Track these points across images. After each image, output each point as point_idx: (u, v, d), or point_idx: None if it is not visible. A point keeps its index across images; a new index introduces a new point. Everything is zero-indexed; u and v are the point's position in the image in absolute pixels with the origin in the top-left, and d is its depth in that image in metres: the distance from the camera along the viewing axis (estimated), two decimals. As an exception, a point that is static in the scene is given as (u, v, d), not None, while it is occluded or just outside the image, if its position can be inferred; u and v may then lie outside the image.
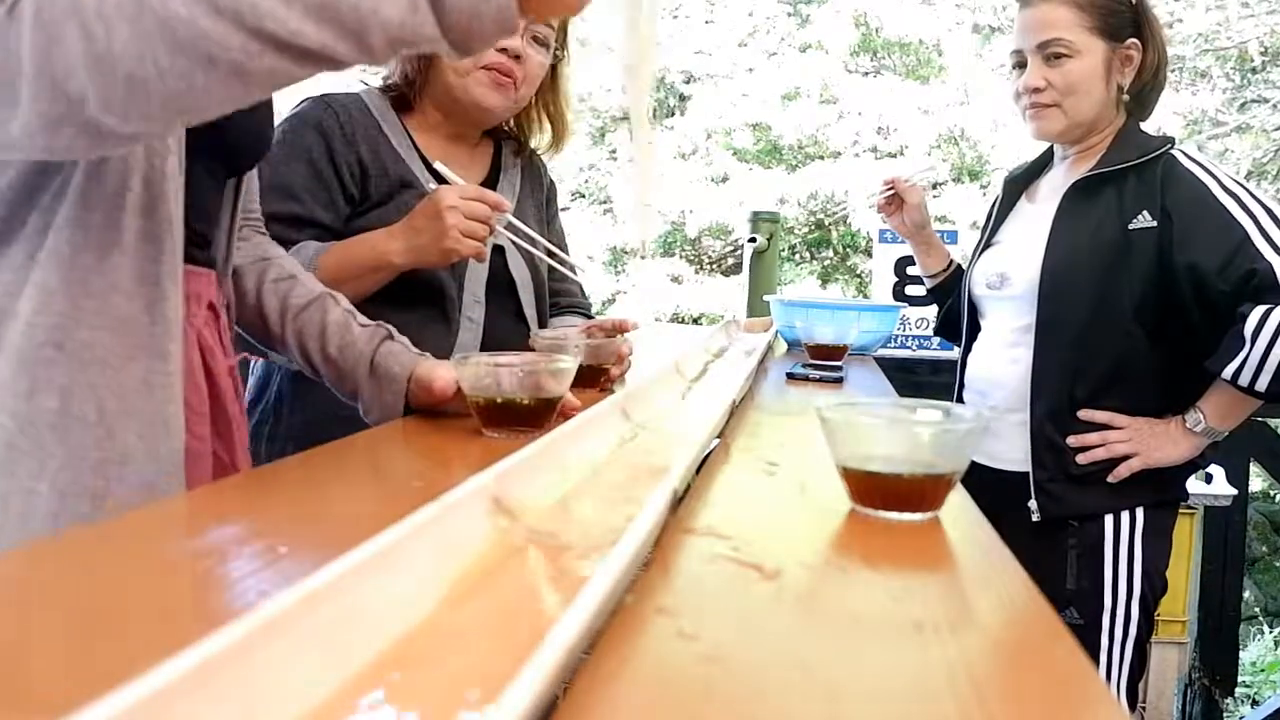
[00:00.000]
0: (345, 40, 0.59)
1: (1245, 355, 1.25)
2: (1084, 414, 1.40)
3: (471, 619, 0.42)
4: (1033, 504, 1.43)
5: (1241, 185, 1.34)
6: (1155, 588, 1.42)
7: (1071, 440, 1.40)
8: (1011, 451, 1.46)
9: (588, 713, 0.35)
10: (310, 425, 1.13)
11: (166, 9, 0.56)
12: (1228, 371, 1.27)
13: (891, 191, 1.73)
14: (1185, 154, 1.39)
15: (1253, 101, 7.49)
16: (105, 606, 0.46)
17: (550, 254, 1.36)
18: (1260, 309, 1.24)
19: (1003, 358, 1.50)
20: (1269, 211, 1.29)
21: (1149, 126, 1.50)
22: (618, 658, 0.40)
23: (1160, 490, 1.41)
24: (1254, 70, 7.50)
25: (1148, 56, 1.44)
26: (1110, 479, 1.39)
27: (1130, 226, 1.37)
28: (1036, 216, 1.50)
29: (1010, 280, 1.49)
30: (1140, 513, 1.40)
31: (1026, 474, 1.44)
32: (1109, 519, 1.40)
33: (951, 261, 1.79)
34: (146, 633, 0.43)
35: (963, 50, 7.82)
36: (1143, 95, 1.47)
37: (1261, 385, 1.26)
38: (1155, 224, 1.35)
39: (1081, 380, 1.41)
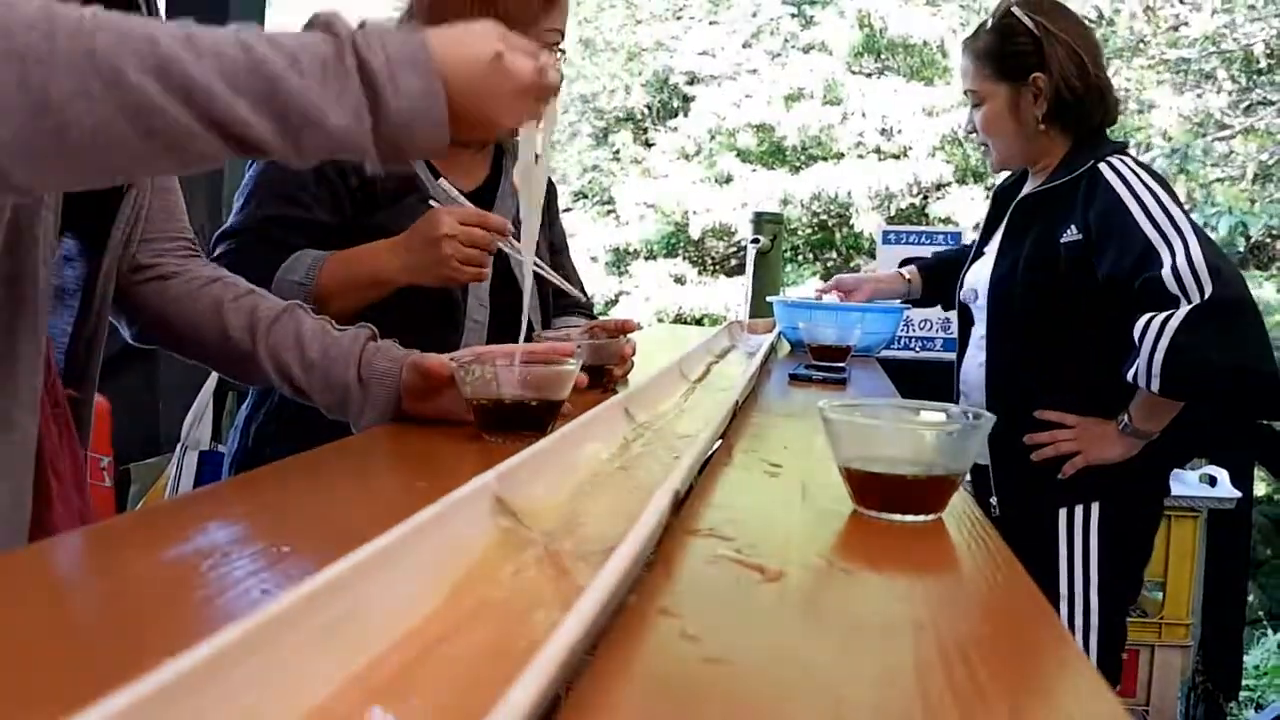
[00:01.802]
0: (284, 137, 0.60)
1: (1137, 359, 1.32)
2: (1039, 413, 1.49)
3: (474, 619, 0.42)
4: (993, 499, 1.53)
5: (1153, 194, 1.38)
6: (1116, 585, 1.46)
7: (1026, 438, 1.48)
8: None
9: (590, 713, 0.35)
10: (312, 426, 1.13)
11: (117, 73, 0.54)
12: (1129, 375, 1.34)
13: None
14: (1112, 166, 1.43)
15: (1259, 104, 7.47)
16: (108, 606, 0.46)
17: (550, 270, 1.35)
18: (1144, 319, 1.31)
19: (976, 360, 1.59)
20: (1173, 221, 1.34)
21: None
22: (620, 658, 0.40)
23: (1112, 488, 1.47)
24: (1260, 72, 7.48)
25: (1052, 83, 1.48)
26: (1060, 476, 1.46)
27: (1062, 240, 1.45)
28: (999, 235, 1.60)
29: (978, 293, 1.59)
30: (1095, 509, 1.46)
31: (988, 468, 1.55)
32: (1062, 513, 1.47)
33: (909, 280, 1.90)
34: (149, 631, 0.43)
35: (967, 51, 7.80)
36: (1068, 114, 1.50)
37: (1154, 386, 1.31)
38: (1080, 237, 1.43)
39: (1031, 383, 1.50)
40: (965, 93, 1.60)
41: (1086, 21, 1.62)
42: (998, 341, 1.53)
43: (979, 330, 1.59)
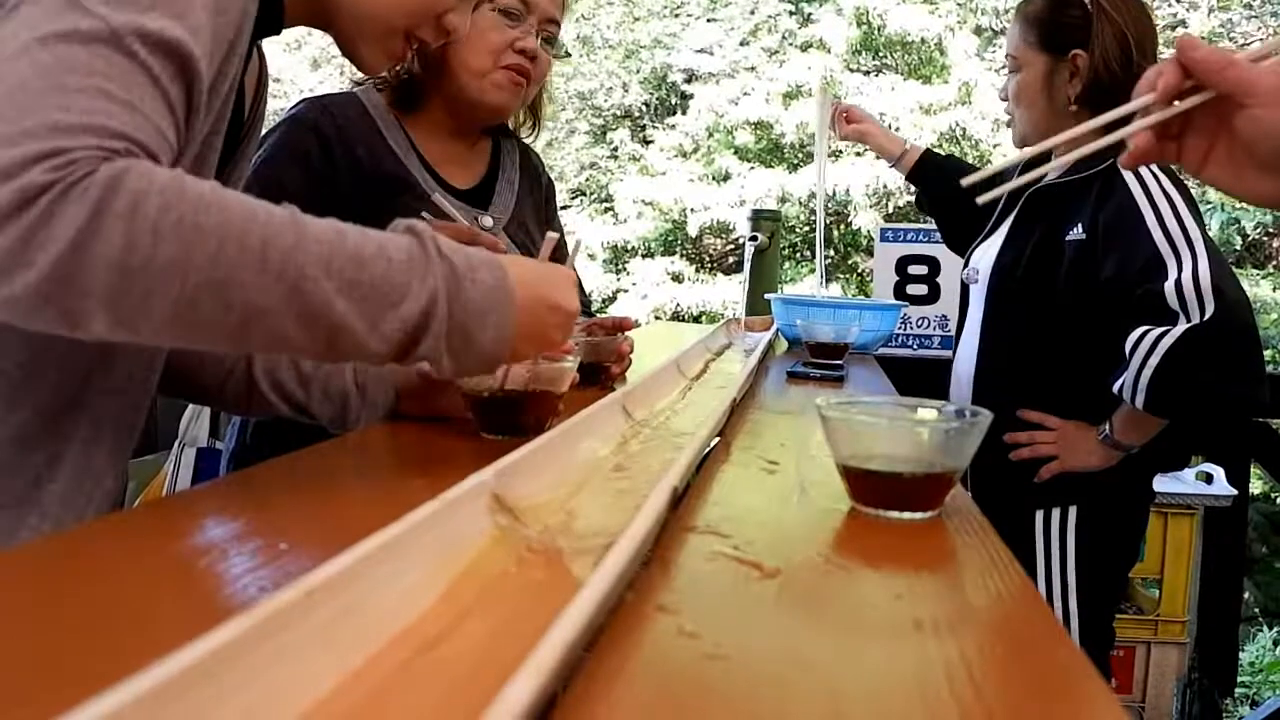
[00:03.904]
0: (362, 322, 0.63)
1: (1126, 372, 1.28)
2: (1021, 412, 1.46)
3: (472, 616, 0.42)
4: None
5: (1170, 201, 1.33)
6: (1097, 588, 1.44)
7: (1006, 437, 1.45)
8: None
9: (588, 710, 0.35)
10: (309, 424, 1.12)
11: (220, 246, 0.57)
12: (1116, 387, 1.31)
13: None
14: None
15: (1255, 102, 7.47)
16: (105, 603, 0.46)
17: None
18: (1139, 331, 1.27)
19: (970, 347, 1.56)
20: (1185, 233, 1.29)
21: None
22: (618, 655, 0.40)
23: (1092, 492, 1.44)
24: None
25: (1090, 65, 1.42)
26: (1036, 479, 1.44)
27: (1066, 237, 1.41)
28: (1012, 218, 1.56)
29: (979, 276, 1.55)
30: (1073, 511, 1.43)
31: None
32: (1039, 515, 1.44)
33: (907, 145, 1.85)
34: (146, 629, 0.43)
35: (964, 49, 7.81)
36: (1101, 100, 1.43)
37: (1140, 402, 1.28)
38: (1085, 236, 1.39)
39: (1018, 379, 1.47)
40: (1006, 57, 1.54)
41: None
42: (992, 332, 1.50)
43: (975, 314, 1.56)
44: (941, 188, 1.77)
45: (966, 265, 1.63)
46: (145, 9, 0.61)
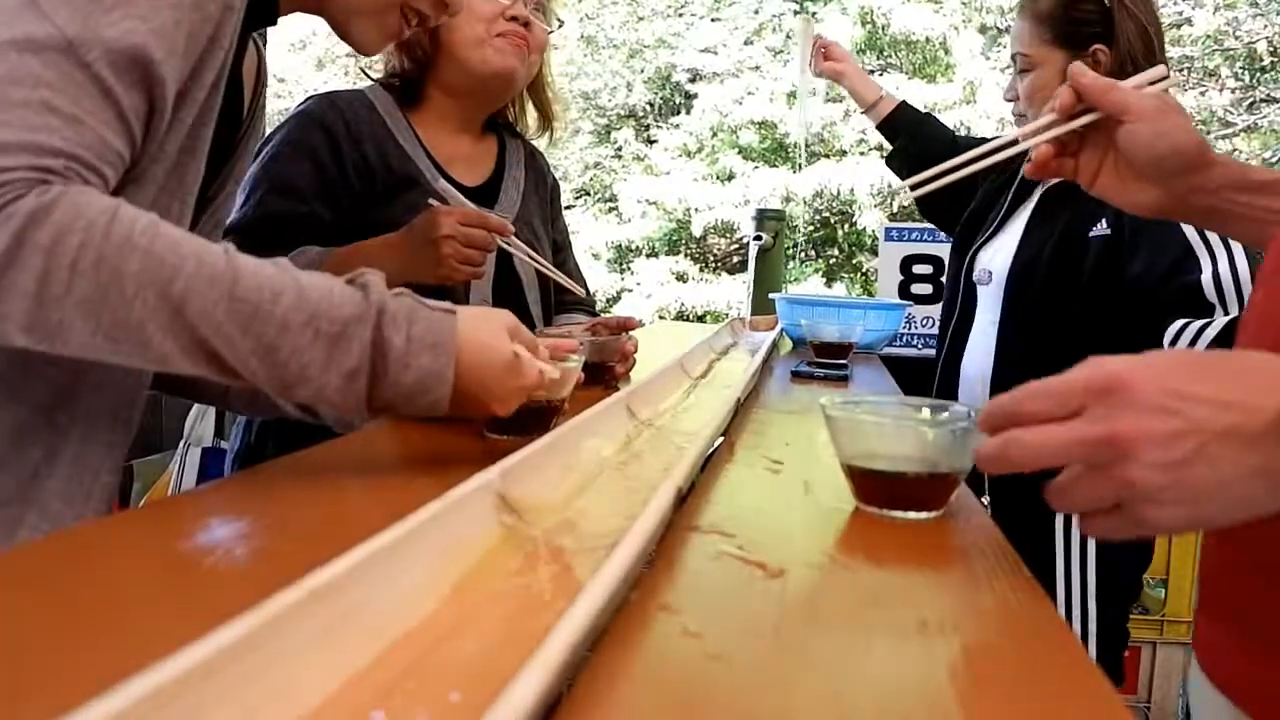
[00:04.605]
0: (273, 384, 0.63)
1: None
2: None
3: (476, 616, 0.42)
4: (985, 499, 1.47)
5: None
6: (1115, 590, 1.43)
7: None
8: None
9: (592, 710, 0.35)
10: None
11: (137, 292, 0.58)
12: None
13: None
14: None
15: (1262, 101, 7.46)
16: (110, 602, 0.46)
17: (552, 267, 1.35)
18: (1179, 323, 1.25)
19: (981, 348, 1.53)
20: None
21: None
22: (622, 655, 0.40)
23: None
24: (1263, 70, 7.47)
25: (1116, 59, 1.41)
26: (1054, 482, 1.41)
27: (1090, 234, 1.39)
28: (1026, 215, 1.53)
29: (994, 276, 1.53)
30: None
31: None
32: (1059, 517, 1.42)
33: (883, 93, 1.82)
34: (150, 629, 0.43)
35: (969, 48, 7.80)
36: None
37: None
38: (1109, 232, 1.37)
39: (1035, 380, 1.44)
40: (1013, 56, 1.51)
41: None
42: (1011, 332, 1.46)
43: (988, 316, 1.52)
44: (912, 146, 1.73)
45: (971, 266, 1.60)
46: (107, 9, 0.61)
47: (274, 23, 0.84)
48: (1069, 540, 1.42)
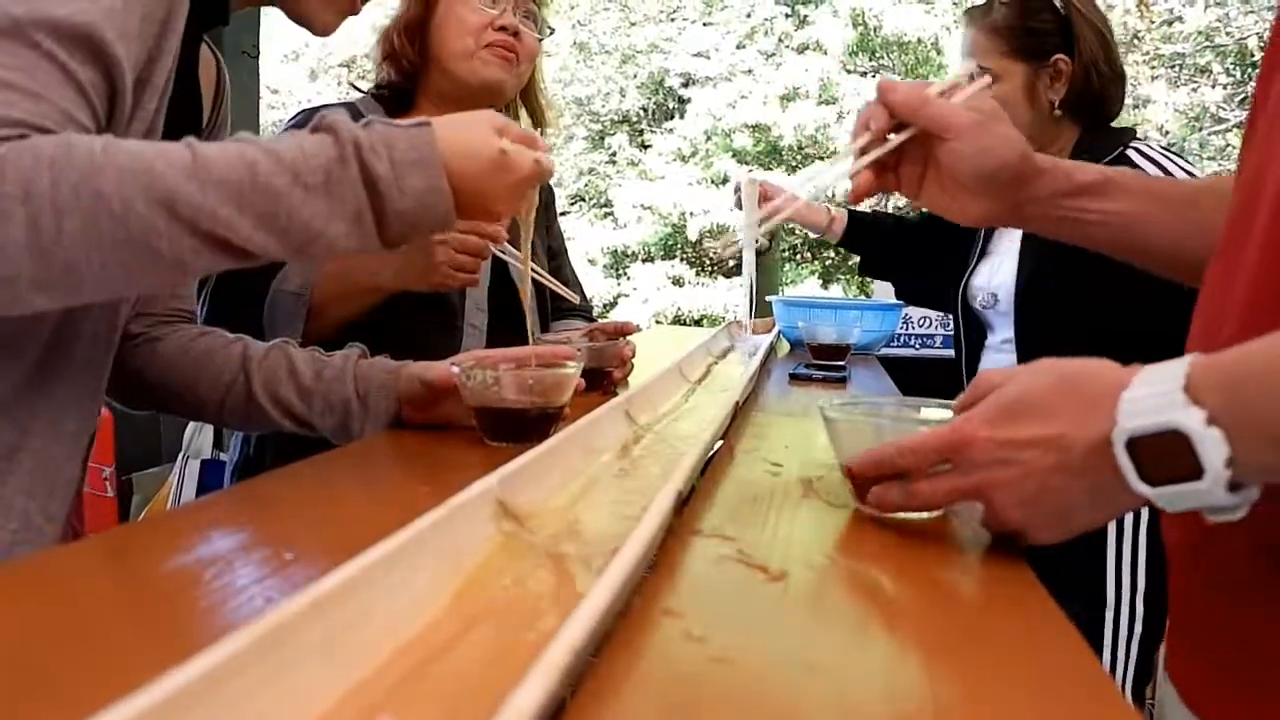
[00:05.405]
0: (288, 249, 0.63)
1: None
2: None
3: (478, 623, 0.42)
4: None
5: (1194, 178, 1.31)
6: (1163, 591, 1.40)
7: None
8: None
9: (596, 715, 0.35)
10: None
11: (125, 206, 0.58)
12: None
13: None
14: (1140, 151, 1.37)
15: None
16: (111, 615, 0.46)
17: (548, 275, 1.35)
18: None
19: (998, 364, 1.52)
20: None
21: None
22: (625, 660, 0.40)
23: None
24: (1254, 66, 7.49)
25: (1077, 66, 1.40)
26: None
27: None
28: (1016, 231, 1.51)
29: (999, 298, 1.52)
30: (1145, 512, 1.38)
31: None
32: (1110, 547, 1.38)
33: (831, 212, 1.80)
34: (153, 640, 0.43)
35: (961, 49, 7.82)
36: (1087, 101, 1.43)
37: None
38: None
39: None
40: (971, 72, 1.48)
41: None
42: (1032, 343, 1.43)
43: (1000, 335, 1.51)
44: (879, 248, 1.73)
45: (965, 293, 1.58)
46: None
47: (225, 21, 0.84)
48: (1120, 540, 1.38)
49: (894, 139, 0.74)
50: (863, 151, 0.75)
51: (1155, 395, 0.47)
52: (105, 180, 0.57)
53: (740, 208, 1.81)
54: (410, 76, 1.32)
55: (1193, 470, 0.46)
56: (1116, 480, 0.48)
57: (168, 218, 0.59)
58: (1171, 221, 0.74)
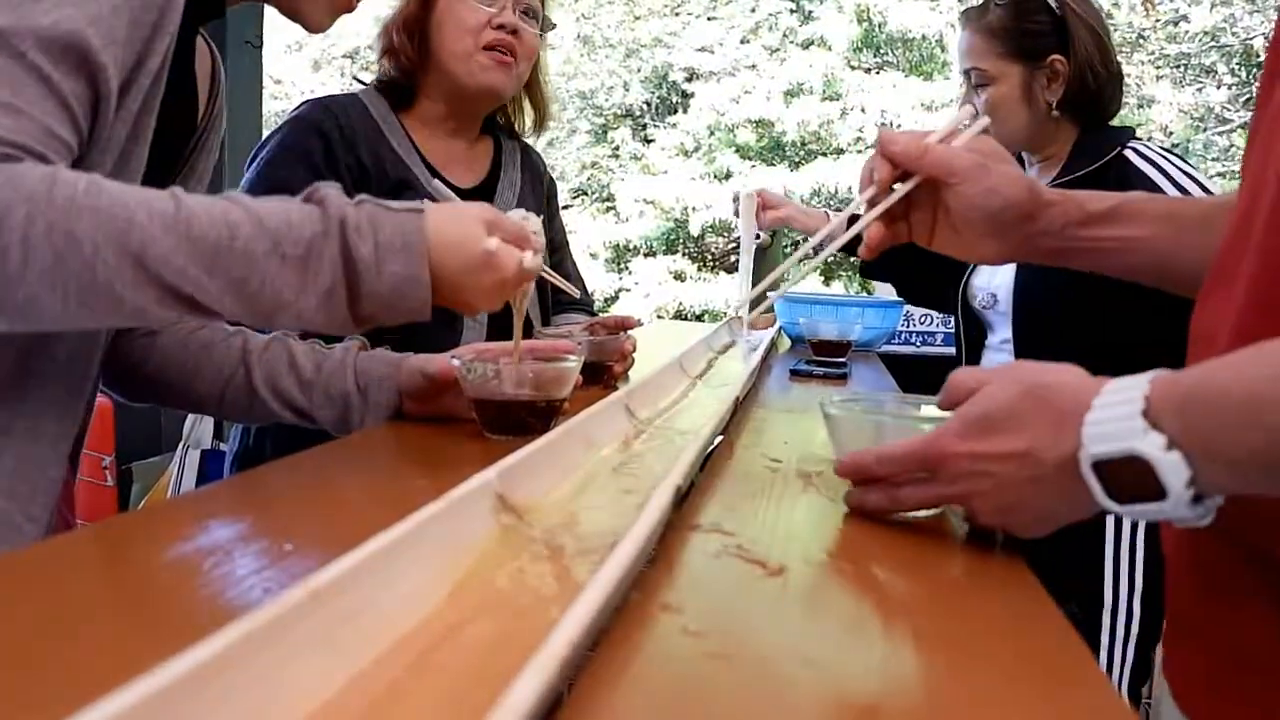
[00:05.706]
0: (256, 315, 0.63)
1: None
2: None
3: (476, 616, 0.42)
4: None
5: (1192, 179, 1.33)
6: (1161, 592, 1.41)
7: None
8: None
9: (593, 709, 0.35)
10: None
11: (95, 252, 0.58)
12: None
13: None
14: (1138, 151, 1.38)
15: (1258, 97, 7.45)
16: (110, 605, 0.46)
17: (549, 268, 1.35)
18: None
19: (999, 362, 1.52)
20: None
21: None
22: (623, 654, 0.40)
23: None
24: (1260, 67, 7.47)
25: (1073, 66, 1.40)
26: None
27: None
28: None
29: (999, 299, 1.52)
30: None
31: None
32: (1110, 517, 1.38)
33: (830, 218, 1.80)
34: (151, 631, 0.43)
35: (966, 46, 7.80)
36: (1084, 101, 1.43)
37: None
38: None
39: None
40: (966, 71, 1.49)
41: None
42: (1032, 343, 1.44)
43: (1000, 335, 1.51)
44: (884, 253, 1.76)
45: (965, 293, 1.59)
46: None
47: (221, 14, 0.84)
48: (1119, 541, 1.38)
49: (900, 189, 0.75)
50: (871, 203, 0.76)
51: (1116, 420, 0.48)
52: (81, 224, 0.57)
53: (738, 216, 1.82)
54: (410, 73, 1.32)
55: (1156, 492, 0.47)
56: (1089, 492, 0.50)
57: (135, 268, 0.59)
58: (1187, 242, 0.73)
